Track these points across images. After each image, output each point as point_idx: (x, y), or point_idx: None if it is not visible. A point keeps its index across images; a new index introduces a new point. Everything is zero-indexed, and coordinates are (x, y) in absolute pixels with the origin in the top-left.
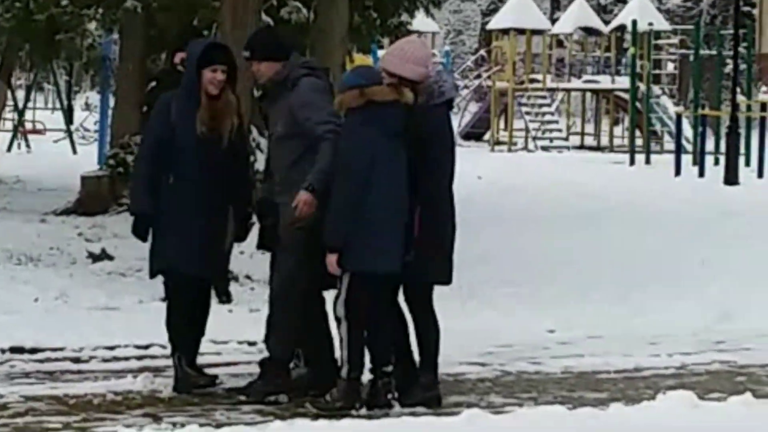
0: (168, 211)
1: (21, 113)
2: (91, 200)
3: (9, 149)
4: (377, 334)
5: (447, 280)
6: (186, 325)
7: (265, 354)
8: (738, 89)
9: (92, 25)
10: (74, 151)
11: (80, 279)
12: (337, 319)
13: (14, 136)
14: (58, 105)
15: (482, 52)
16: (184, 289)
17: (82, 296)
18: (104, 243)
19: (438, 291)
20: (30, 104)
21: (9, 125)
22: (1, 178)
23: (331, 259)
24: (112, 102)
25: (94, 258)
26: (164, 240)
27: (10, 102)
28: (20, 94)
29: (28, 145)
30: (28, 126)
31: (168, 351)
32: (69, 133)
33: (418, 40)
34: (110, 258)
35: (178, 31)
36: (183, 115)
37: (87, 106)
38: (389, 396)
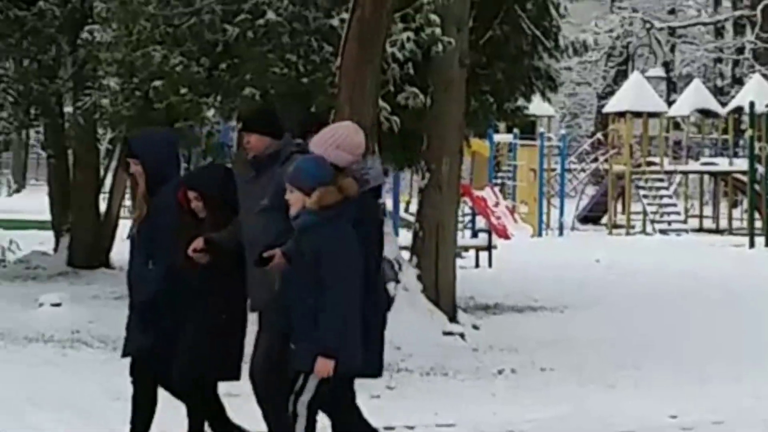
0: None
1: None
2: None
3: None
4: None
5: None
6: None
7: None
8: None
9: (210, 113)
10: None
11: None
12: (295, 416)
13: None
14: None
15: (599, 135)
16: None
17: None
18: None
19: (556, 375)
20: None
21: (128, 213)
22: (121, 266)
23: (329, 366)
24: None
25: None
26: None
27: (128, 189)
28: None
29: None
30: None
31: None
32: None
33: (353, 125)
34: None
35: (296, 117)
36: None
37: None
38: None
